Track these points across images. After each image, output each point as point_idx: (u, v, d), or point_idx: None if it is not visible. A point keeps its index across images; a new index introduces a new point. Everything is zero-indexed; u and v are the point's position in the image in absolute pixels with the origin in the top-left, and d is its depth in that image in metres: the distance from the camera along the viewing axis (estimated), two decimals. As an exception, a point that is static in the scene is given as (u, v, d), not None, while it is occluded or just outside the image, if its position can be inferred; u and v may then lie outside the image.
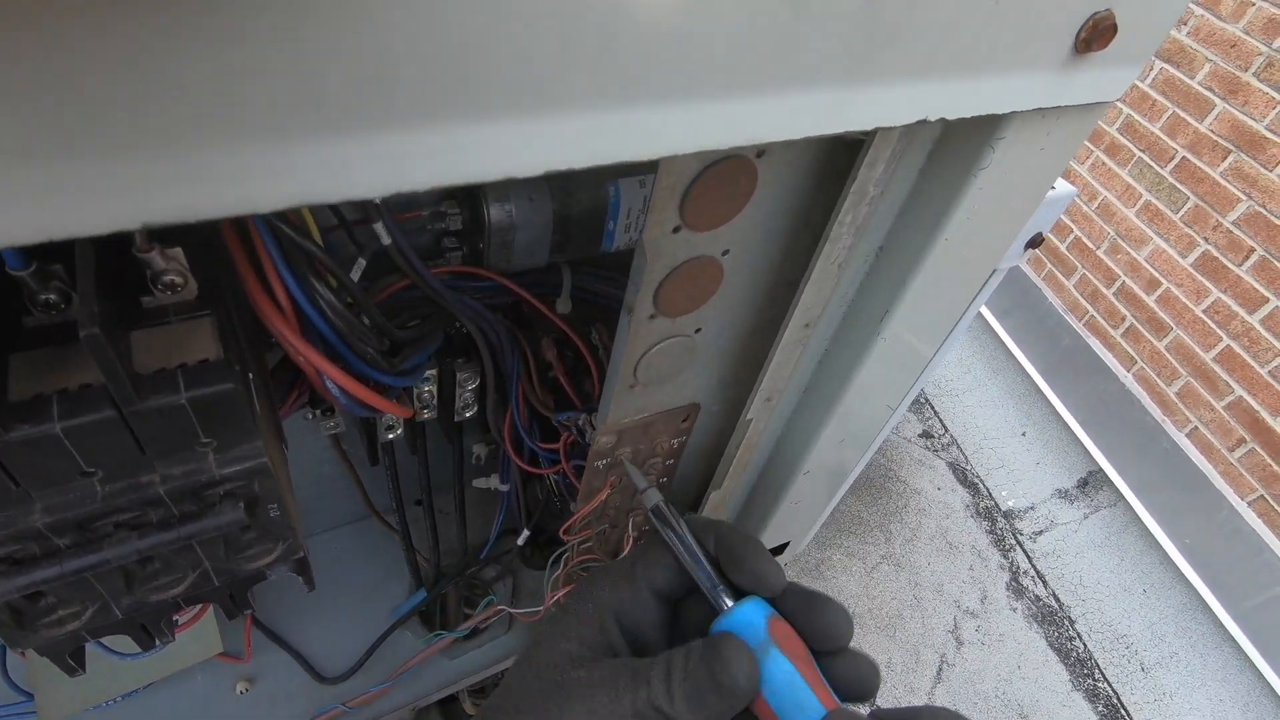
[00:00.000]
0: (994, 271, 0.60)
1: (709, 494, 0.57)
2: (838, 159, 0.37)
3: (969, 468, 2.73)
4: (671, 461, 0.56)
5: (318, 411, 0.59)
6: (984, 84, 0.31)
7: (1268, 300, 2.02)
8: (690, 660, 0.34)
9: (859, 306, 0.46)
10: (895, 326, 0.44)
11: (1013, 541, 2.55)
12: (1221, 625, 2.16)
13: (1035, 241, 0.60)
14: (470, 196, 0.52)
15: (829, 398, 0.50)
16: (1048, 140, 0.37)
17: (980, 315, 2.90)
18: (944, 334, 0.50)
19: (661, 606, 0.40)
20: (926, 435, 2.81)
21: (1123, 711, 2.21)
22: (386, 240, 0.44)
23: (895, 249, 0.43)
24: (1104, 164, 2.45)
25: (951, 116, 0.31)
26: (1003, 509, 2.62)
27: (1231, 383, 2.14)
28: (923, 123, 0.31)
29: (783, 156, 0.36)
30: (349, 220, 0.43)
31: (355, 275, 0.45)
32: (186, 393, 0.30)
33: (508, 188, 0.51)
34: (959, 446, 2.78)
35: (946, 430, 2.83)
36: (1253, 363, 2.08)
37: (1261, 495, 2.10)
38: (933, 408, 2.89)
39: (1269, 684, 2.05)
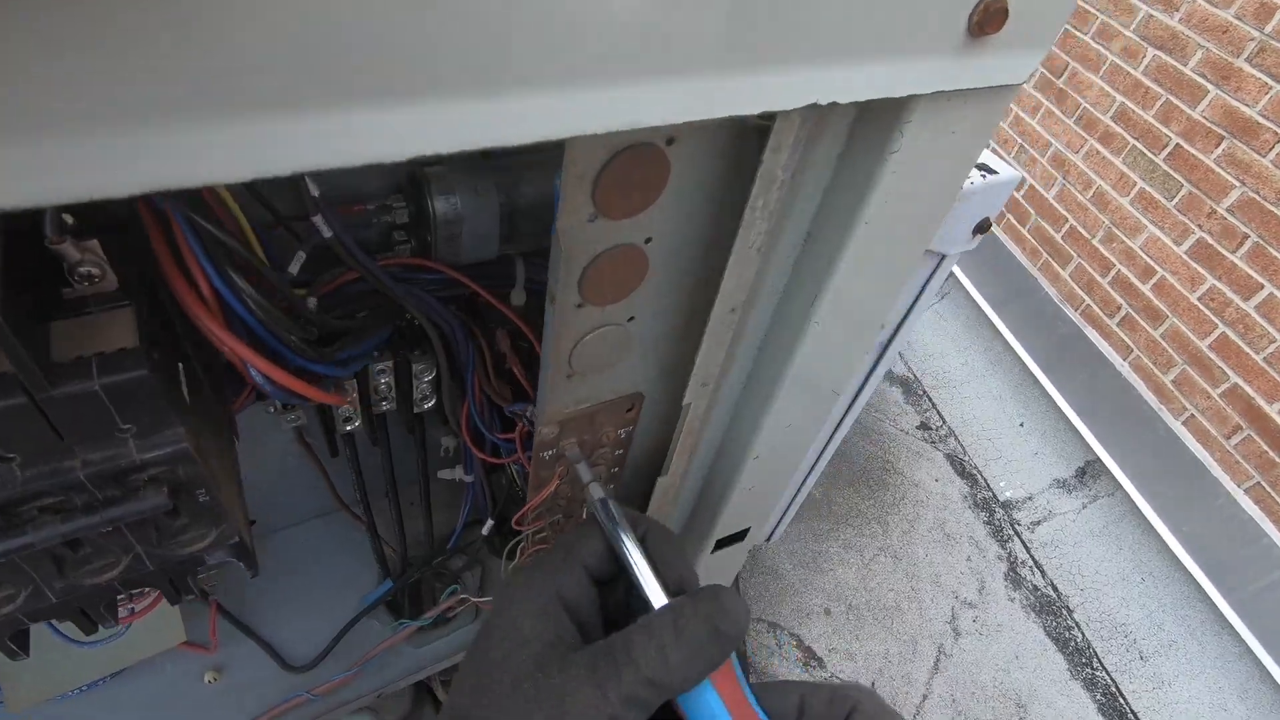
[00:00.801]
0: (943, 258, 0.60)
1: (658, 481, 0.57)
2: (749, 146, 0.38)
3: (967, 459, 2.72)
4: (620, 451, 0.56)
5: (278, 405, 0.60)
6: (878, 68, 0.31)
7: (1262, 287, 2.01)
8: (681, 619, 0.35)
9: (791, 292, 0.47)
10: (826, 311, 0.45)
11: (1010, 532, 2.54)
12: (1220, 613, 2.16)
13: (982, 227, 0.60)
14: (416, 189, 0.53)
15: (770, 383, 0.51)
16: (959, 124, 0.37)
17: (977, 307, 2.89)
18: (879, 319, 0.50)
19: (594, 587, 0.41)
20: (925, 427, 2.81)
21: (1121, 700, 2.21)
22: (328, 233, 0.45)
23: (821, 235, 0.43)
24: (1098, 152, 2.44)
25: (844, 100, 0.31)
26: (1000, 499, 2.62)
27: (1226, 370, 2.13)
28: (815, 107, 0.31)
29: (693, 143, 0.37)
30: (284, 214, 0.44)
31: (295, 268, 0.46)
32: (100, 379, 0.31)
33: (453, 180, 0.52)
34: (957, 438, 2.78)
35: (944, 422, 2.82)
36: (1248, 349, 2.07)
37: (1258, 482, 2.09)
38: (930, 400, 2.89)
39: (1267, 671, 2.05)
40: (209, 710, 0.62)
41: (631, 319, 0.45)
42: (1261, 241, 2.00)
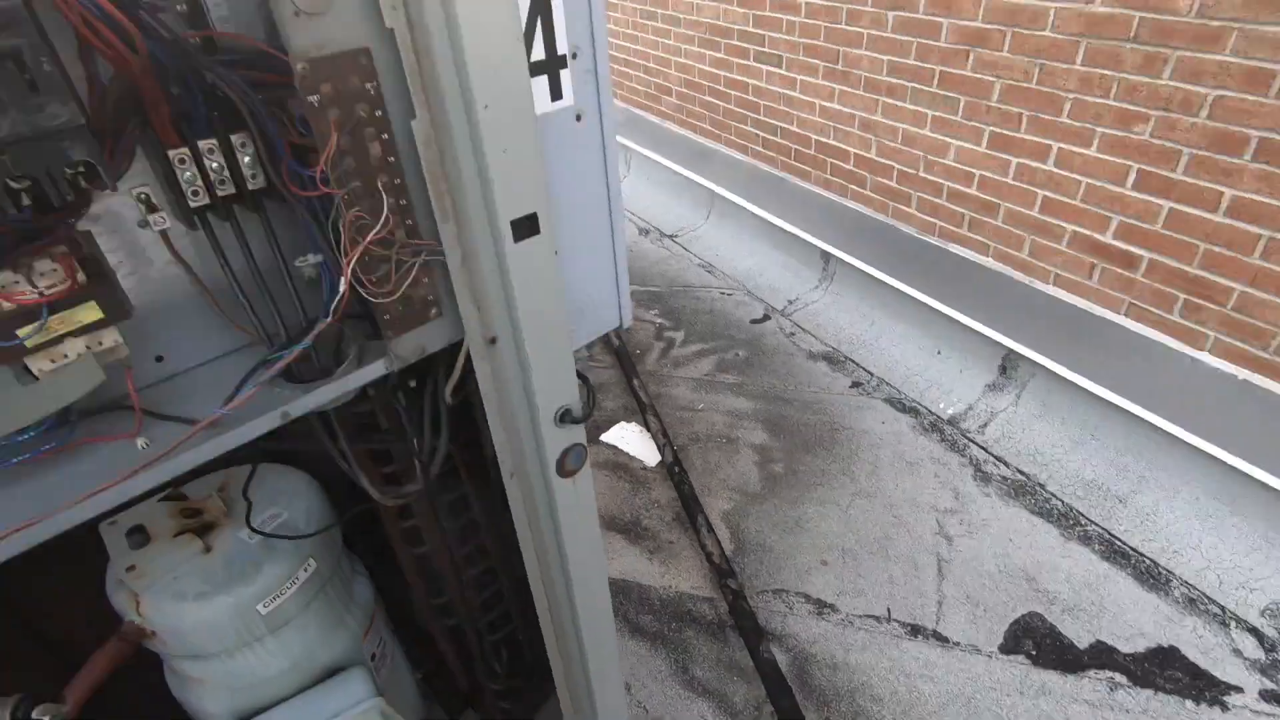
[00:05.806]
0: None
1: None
2: None
3: (903, 396, 2.88)
4: (380, 111, 0.78)
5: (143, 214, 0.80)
6: None
7: (1049, 148, 2.34)
8: None
9: None
10: None
11: (964, 441, 2.66)
12: (1169, 434, 2.27)
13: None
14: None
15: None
16: None
17: (862, 273, 3.17)
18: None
19: None
20: (857, 384, 2.98)
21: (1118, 542, 2.24)
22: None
23: None
24: (890, 104, 2.86)
25: None
26: (945, 418, 2.75)
27: (1062, 224, 2.40)
28: None
29: None
30: None
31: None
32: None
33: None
34: (888, 383, 2.95)
35: (872, 375, 3.00)
36: (1065, 198, 2.36)
37: (1129, 302, 2.30)
38: (854, 361, 3.08)
39: (1228, 465, 2.13)
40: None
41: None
42: (1034, 114, 2.36)
